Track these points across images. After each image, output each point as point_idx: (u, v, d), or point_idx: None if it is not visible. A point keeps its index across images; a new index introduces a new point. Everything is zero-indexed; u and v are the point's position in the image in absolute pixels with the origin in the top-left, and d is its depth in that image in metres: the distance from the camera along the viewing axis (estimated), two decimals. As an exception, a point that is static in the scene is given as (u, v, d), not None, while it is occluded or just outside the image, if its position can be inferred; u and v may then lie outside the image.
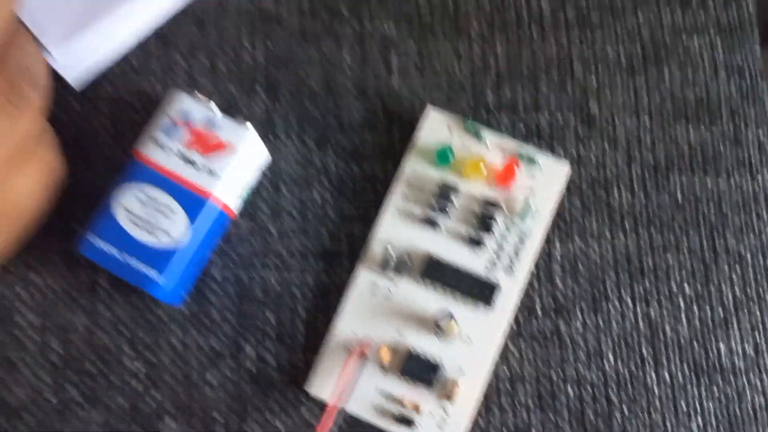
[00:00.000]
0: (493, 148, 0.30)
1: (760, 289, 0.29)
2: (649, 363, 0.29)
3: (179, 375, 0.29)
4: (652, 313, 0.29)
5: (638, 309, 0.29)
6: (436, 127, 0.30)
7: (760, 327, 0.29)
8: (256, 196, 0.31)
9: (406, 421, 0.27)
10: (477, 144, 0.30)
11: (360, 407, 0.28)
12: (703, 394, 0.28)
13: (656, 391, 0.29)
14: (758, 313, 0.29)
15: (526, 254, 0.29)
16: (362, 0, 0.32)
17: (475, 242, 0.29)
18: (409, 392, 0.28)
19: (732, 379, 0.29)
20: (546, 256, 0.30)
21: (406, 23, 0.32)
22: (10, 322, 0.29)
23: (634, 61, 0.32)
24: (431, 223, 0.29)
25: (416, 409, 0.28)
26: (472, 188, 0.29)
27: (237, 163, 0.28)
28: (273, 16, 0.32)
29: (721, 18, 0.32)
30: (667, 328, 0.29)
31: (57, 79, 0.31)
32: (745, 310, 0.29)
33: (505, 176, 0.29)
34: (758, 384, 0.29)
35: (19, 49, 0.21)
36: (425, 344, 0.28)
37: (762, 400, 0.28)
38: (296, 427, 0.28)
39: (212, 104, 0.29)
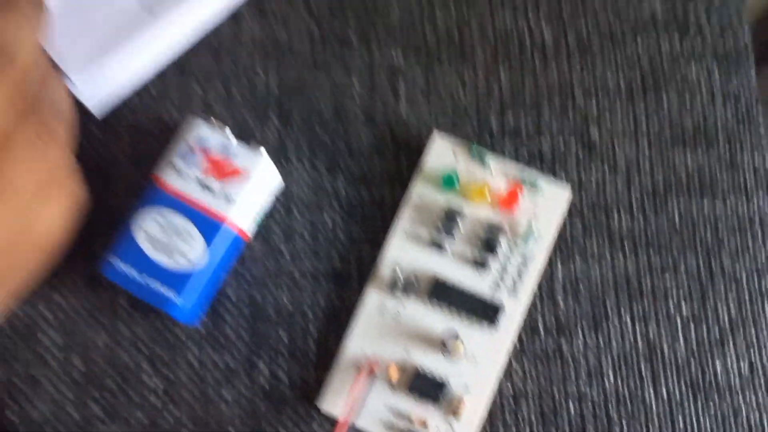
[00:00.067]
0: (497, 173, 0.31)
1: (755, 309, 0.30)
2: (647, 381, 0.30)
3: (196, 391, 0.30)
4: (651, 333, 0.30)
5: (637, 328, 0.30)
6: (442, 152, 0.31)
7: (755, 346, 0.30)
8: (269, 219, 0.32)
9: (414, 437, 0.29)
10: (481, 169, 0.31)
11: (369, 423, 0.29)
12: (700, 411, 0.30)
13: (654, 408, 0.30)
14: (753, 332, 0.30)
15: (528, 276, 0.30)
16: (371, 29, 0.34)
17: (480, 264, 0.30)
18: (416, 409, 0.29)
19: (728, 396, 0.30)
20: (548, 277, 0.31)
21: (413, 52, 0.33)
22: (34, 340, 0.31)
23: (633, 87, 0.33)
24: (438, 245, 0.30)
25: (424, 425, 0.29)
26: (477, 212, 0.31)
27: (251, 189, 0.30)
28: (285, 45, 0.34)
29: (718, 46, 0.33)
30: (665, 347, 0.30)
31: (79, 107, 0.32)
32: (741, 330, 0.30)
33: (509, 201, 0.30)
34: (753, 401, 0.30)
35: (47, 84, 0.23)
36: (432, 363, 0.29)
37: (757, 416, 0.29)
38: (308, 442, 0.30)
39: (227, 131, 0.30)
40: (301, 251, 0.31)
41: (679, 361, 0.30)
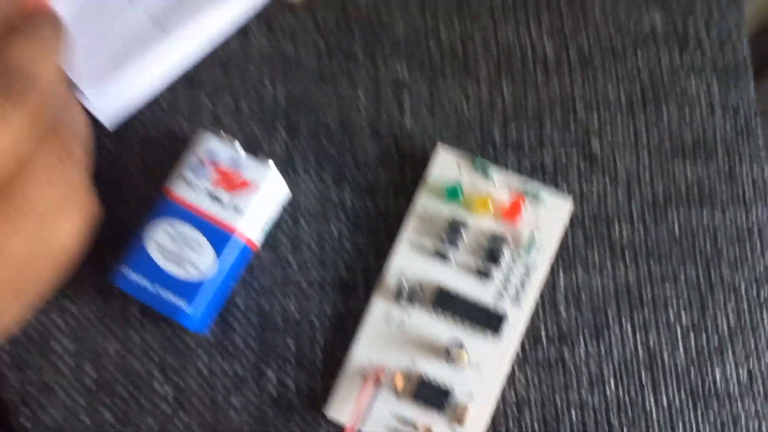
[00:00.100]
0: (500, 185, 0.31)
1: (754, 319, 0.31)
2: (648, 388, 0.30)
3: (205, 398, 0.31)
4: (651, 341, 0.31)
5: (638, 337, 0.31)
6: (446, 164, 0.32)
7: (754, 354, 0.31)
8: (277, 229, 0.32)
9: (419, 444, 0.29)
10: (485, 181, 0.32)
11: (375, 430, 0.29)
12: (700, 418, 0.30)
13: (655, 415, 0.30)
14: (752, 341, 0.31)
15: (531, 285, 0.31)
16: (376, 44, 0.34)
17: (484, 274, 0.31)
18: (421, 416, 0.29)
19: (727, 404, 0.30)
20: (550, 286, 0.31)
21: (417, 66, 0.34)
22: (47, 348, 0.31)
23: (633, 100, 0.33)
24: (442, 256, 0.31)
25: (428, 432, 0.29)
26: (481, 223, 0.31)
27: (259, 200, 0.30)
28: (293, 59, 0.34)
29: (717, 59, 0.34)
30: (665, 355, 0.31)
31: (91, 119, 0.33)
32: (740, 339, 0.31)
33: (512, 212, 0.31)
34: (752, 409, 0.30)
35: (66, 106, 0.23)
36: (437, 371, 0.30)
37: (756, 424, 0.30)
38: (315, 449, 0.30)
39: (236, 143, 0.31)
40: (308, 261, 0.32)
41: (679, 369, 0.31)
